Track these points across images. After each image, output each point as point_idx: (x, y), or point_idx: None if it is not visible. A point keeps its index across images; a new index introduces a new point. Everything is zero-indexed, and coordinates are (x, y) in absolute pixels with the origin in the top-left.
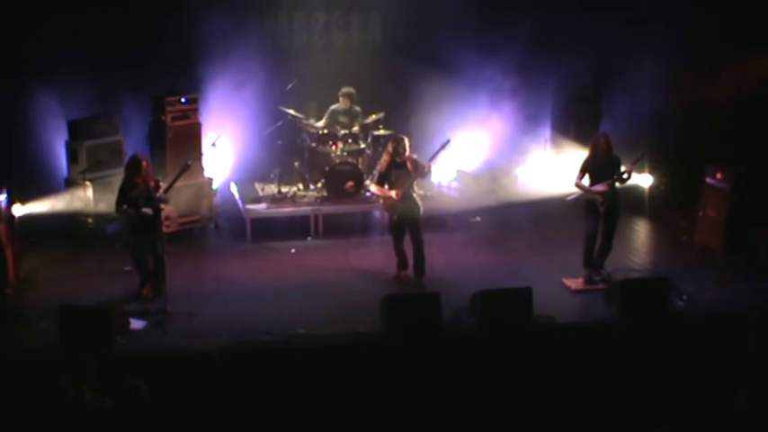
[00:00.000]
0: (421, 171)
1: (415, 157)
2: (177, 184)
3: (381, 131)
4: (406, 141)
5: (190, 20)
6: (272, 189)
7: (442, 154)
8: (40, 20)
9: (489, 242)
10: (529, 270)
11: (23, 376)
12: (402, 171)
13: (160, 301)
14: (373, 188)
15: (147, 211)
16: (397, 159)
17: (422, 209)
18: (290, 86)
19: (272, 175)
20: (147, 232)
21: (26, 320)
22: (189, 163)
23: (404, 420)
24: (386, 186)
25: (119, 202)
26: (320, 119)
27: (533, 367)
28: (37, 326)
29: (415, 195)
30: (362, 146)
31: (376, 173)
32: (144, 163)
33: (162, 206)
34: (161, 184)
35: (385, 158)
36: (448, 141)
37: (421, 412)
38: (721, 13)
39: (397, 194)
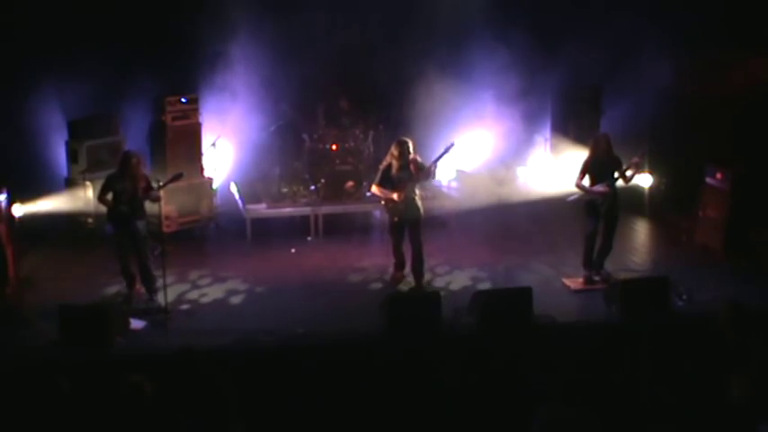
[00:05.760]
0: (425, 174)
1: (419, 159)
2: (178, 184)
3: (381, 131)
4: (410, 144)
5: (190, 20)
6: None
7: (446, 157)
8: (40, 20)
9: (489, 242)
10: (529, 270)
11: (23, 376)
12: (405, 173)
13: (159, 300)
14: (374, 189)
15: (123, 209)
16: (401, 161)
17: (422, 211)
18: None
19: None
20: (125, 228)
21: (26, 320)
22: (182, 173)
23: (404, 420)
24: (388, 188)
25: (102, 191)
26: (321, 119)
27: (533, 367)
28: (37, 326)
29: (416, 198)
30: (362, 146)
31: (378, 174)
32: (135, 161)
33: (149, 202)
34: (153, 184)
35: (388, 160)
36: (452, 145)
37: (421, 412)
38: (721, 12)
39: (398, 197)
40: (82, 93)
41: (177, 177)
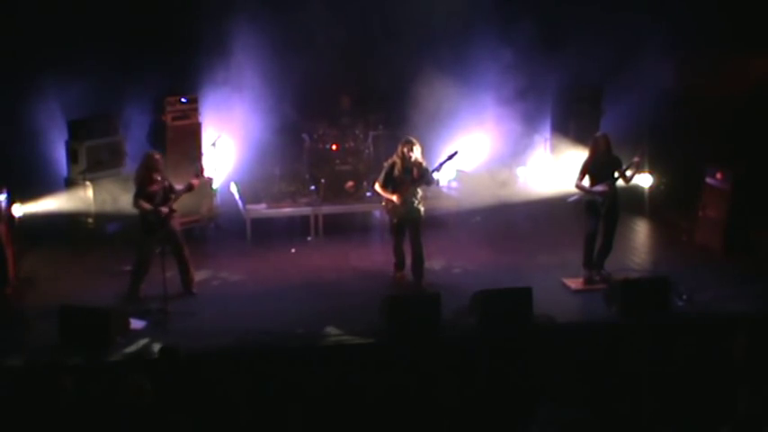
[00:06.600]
0: (426, 180)
1: (424, 164)
2: (176, 185)
3: (381, 131)
4: (416, 146)
5: (190, 20)
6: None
7: (448, 164)
8: (40, 19)
9: (489, 242)
10: (529, 270)
11: (23, 376)
12: (407, 175)
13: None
14: (377, 187)
15: (164, 209)
16: (404, 163)
17: (423, 213)
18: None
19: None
20: (159, 231)
21: (26, 320)
22: (196, 173)
23: (404, 420)
24: (389, 188)
25: (137, 197)
26: (322, 119)
27: (533, 367)
28: (37, 326)
29: (417, 200)
30: (362, 146)
31: (382, 172)
32: (159, 159)
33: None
34: (174, 186)
35: (393, 160)
36: (455, 153)
37: (421, 412)
38: (721, 12)
39: (398, 198)
40: (82, 93)
41: (190, 188)
